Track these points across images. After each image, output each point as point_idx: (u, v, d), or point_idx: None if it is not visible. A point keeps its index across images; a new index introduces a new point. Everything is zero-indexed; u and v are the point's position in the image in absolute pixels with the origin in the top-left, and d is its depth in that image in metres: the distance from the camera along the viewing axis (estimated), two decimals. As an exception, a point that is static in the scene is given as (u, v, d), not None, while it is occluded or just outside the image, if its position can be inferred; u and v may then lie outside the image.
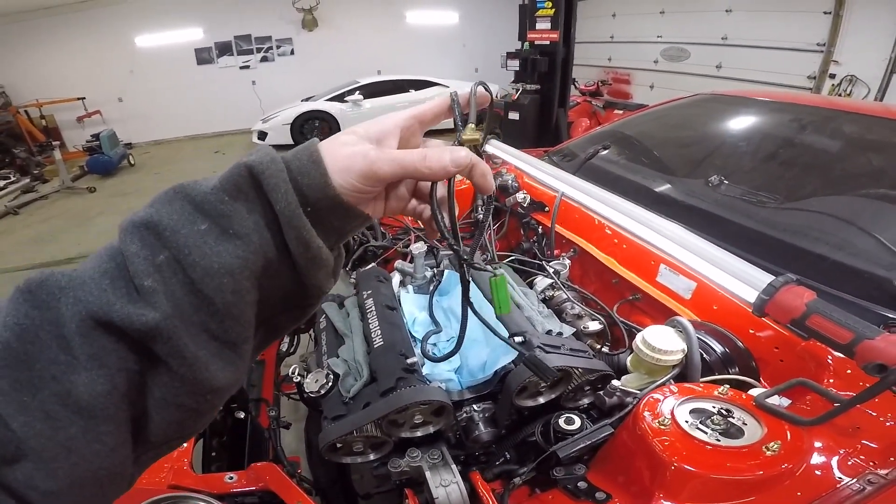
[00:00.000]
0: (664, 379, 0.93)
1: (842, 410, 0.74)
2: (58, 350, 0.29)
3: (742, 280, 1.05)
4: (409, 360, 0.97)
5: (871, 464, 0.72)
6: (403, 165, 0.38)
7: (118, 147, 7.65)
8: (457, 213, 0.44)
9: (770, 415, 0.78)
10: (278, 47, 10.11)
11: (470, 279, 0.46)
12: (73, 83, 8.74)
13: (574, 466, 0.87)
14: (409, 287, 1.37)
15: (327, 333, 1.20)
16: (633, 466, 0.79)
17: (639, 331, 1.01)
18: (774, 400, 0.81)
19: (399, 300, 1.28)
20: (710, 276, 1.13)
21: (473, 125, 0.43)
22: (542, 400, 0.98)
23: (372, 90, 8.49)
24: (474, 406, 1.01)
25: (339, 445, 0.91)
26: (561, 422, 0.93)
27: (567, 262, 1.44)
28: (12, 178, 7.00)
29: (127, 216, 0.34)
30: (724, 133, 1.96)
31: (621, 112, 5.98)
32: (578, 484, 0.83)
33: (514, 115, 5.42)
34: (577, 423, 0.93)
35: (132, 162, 8.00)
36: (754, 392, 0.85)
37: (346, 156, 0.36)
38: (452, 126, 0.44)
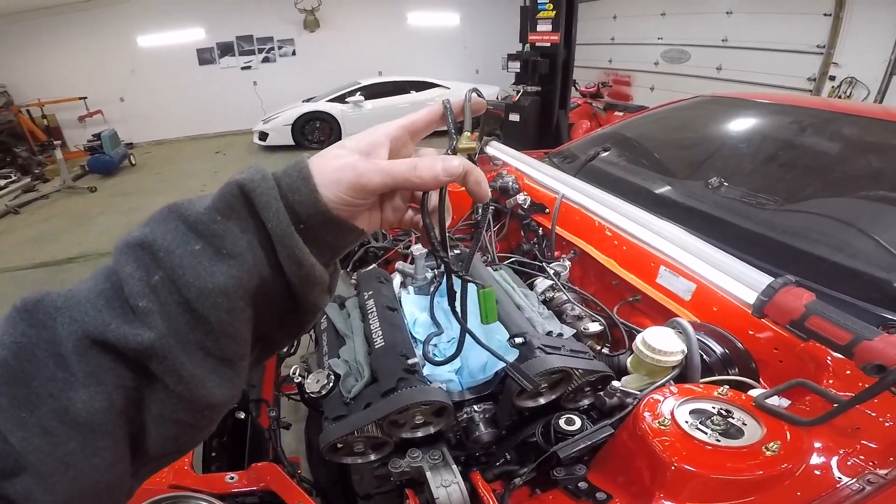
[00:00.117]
0: (664, 380, 0.93)
1: (841, 411, 0.74)
2: (55, 368, 0.30)
3: (741, 281, 1.05)
4: (409, 361, 0.97)
5: (870, 464, 0.72)
6: (393, 175, 0.37)
7: (119, 147, 7.65)
8: (450, 222, 0.44)
9: (770, 415, 0.78)
10: (280, 48, 10.12)
11: (458, 290, 0.46)
12: (74, 83, 8.76)
13: (574, 467, 0.87)
14: (410, 288, 1.38)
15: (328, 334, 1.21)
16: (633, 467, 0.79)
17: (639, 332, 1.02)
18: (774, 400, 0.82)
19: (400, 301, 1.28)
20: (709, 277, 1.13)
21: (469, 133, 0.42)
22: (542, 401, 0.98)
23: (373, 91, 8.47)
24: (475, 407, 1.01)
25: (339, 446, 0.91)
26: (561, 422, 0.93)
27: (567, 263, 1.45)
28: (13, 178, 7.00)
29: (122, 235, 0.34)
30: (723, 135, 1.96)
31: (622, 114, 5.99)
32: (579, 484, 0.84)
33: (514, 117, 5.43)
34: (578, 423, 0.93)
35: (133, 162, 8.01)
36: (754, 393, 0.85)
37: (334, 169, 0.36)
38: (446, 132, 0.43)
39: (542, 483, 0.93)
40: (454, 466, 0.93)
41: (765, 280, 0.97)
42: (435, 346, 1.10)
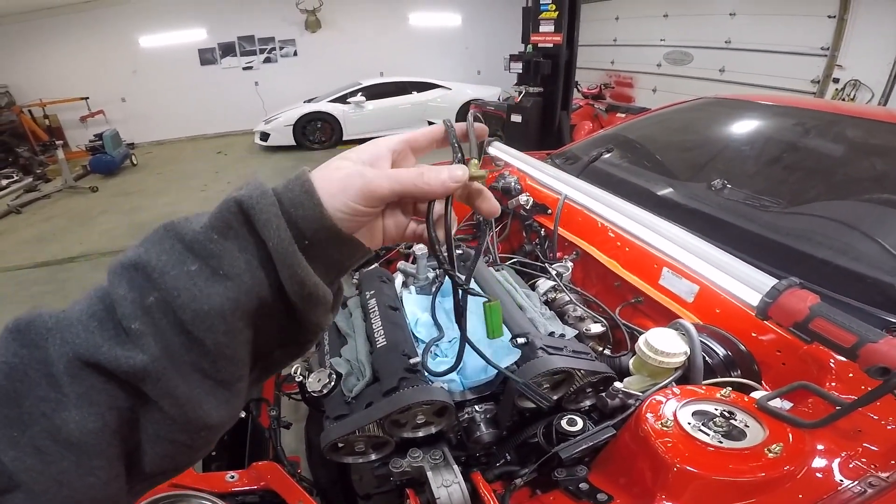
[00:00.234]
0: (666, 381, 0.93)
1: (843, 413, 0.74)
2: (47, 388, 0.29)
3: (745, 283, 1.05)
4: (411, 361, 0.97)
5: (872, 467, 0.72)
6: (401, 182, 0.37)
7: (121, 147, 7.67)
8: (455, 230, 0.44)
9: (772, 417, 0.78)
10: (281, 48, 10.14)
11: (462, 301, 0.46)
12: (76, 83, 8.78)
13: (576, 468, 0.87)
14: (412, 288, 1.38)
15: (330, 333, 1.21)
16: (635, 468, 0.79)
17: (641, 333, 1.01)
18: (776, 403, 0.82)
19: (402, 301, 1.28)
20: (712, 279, 1.13)
21: (477, 161, 0.42)
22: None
23: (374, 92, 8.44)
24: (476, 407, 1.01)
25: (340, 445, 0.91)
26: (563, 423, 0.93)
27: (569, 264, 1.45)
28: (15, 178, 7.03)
29: (116, 256, 0.33)
30: (726, 137, 1.96)
31: (624, 115, 6.00)
32: (580, 485, 0.83)
33: (516, 118, 5.43)
34: (580, 424, 0.93)
35: (135, 162, 8.03)
36: (756, 395, 0.85)
37: (340, 178, 0.36)
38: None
39: (542, 484, 0.93)
40: (455, 466, 0.93)
41: (768, 282, 0.97)
42: (437, 345, 1.10)
